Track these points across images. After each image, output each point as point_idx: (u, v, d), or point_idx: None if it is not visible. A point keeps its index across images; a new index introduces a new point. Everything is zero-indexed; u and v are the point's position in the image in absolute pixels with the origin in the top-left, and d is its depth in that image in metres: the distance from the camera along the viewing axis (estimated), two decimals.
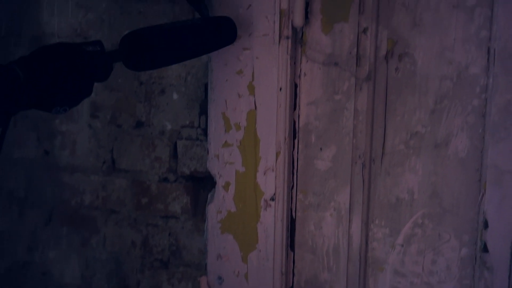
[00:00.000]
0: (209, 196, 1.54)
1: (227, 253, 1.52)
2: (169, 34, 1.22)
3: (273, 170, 1.45)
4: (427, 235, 1.40)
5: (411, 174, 1.40)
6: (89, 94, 1.09)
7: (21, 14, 1.65)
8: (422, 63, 1.36)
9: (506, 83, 1.27)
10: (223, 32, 1.36)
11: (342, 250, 1.47)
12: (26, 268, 1.84)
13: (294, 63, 1.44)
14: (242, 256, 1.51)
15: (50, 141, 1.74)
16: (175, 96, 1.58)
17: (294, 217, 1.50)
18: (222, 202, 1.51)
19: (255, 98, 1.44)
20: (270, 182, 1.46)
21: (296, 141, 1.47)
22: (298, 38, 1.43)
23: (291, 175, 1.48)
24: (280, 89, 1.41)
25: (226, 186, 1.50)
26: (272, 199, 1.46)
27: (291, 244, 1.51)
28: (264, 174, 1.46)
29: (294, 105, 1.45)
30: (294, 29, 1.41)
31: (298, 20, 1.39)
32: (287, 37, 1.40)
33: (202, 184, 1.60)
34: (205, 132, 1.55)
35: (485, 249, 1.34)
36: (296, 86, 1.45)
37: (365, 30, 1.38)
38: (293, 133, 1.47)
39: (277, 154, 1.44)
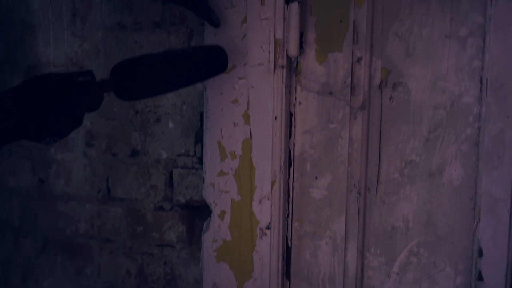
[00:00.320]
0: (204, 225, 1.54)
1: (223, 282, 1.51)
2: (159, 63, 1.23)
3: (268, 199, 1.45)
4: (423, 264, 1.40)
5: (406, 202, 1.40)
6: (79, 124, 1.09)
7: (17, 43, 1.66)
8: (415, 92, 1.37)
9: (499, 112, 1.28)
10: (214, 61, 1.37)
11: (337, 279, 1.46)
12: None
13: (289, 92, 1.45)
14: (238, 285, 1.50)
15: (45, 169, 1.74)
16: (170, 124, 1.59)
17: (289, 245, 1.50)
18: (217, 231, 1.51)
19: (250, 127, 1.45)
20: (265, 210, 1.46)
21: (291, 169, 1.48)
22: (293, 68, 1.44)
23: (287, 204, 1.48)
24: (275, 118, 1.42)
25: (222, 215, 1.50)
26: (268, 227, 1.46)
27: (286, 272, 1.51)
28: (260, 202, 1.46)
29: (289, 134, 1.46)
30: (289, 58, 1.42)
31: (293, 50, 1.40)
32: (282, 67, 1.41)
33: (197, 213, 1.59)
34: (200, 160, 1.56)
35: (480, 277, 1.34)
36: (291, 114, 1.46)
37: (359, 60, 1.39)
38: (289, 161, 1.47)
39: (273, 183, 1.45)
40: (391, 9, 1.37)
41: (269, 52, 1.41)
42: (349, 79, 1.40)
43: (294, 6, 1.38)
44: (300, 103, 1.45)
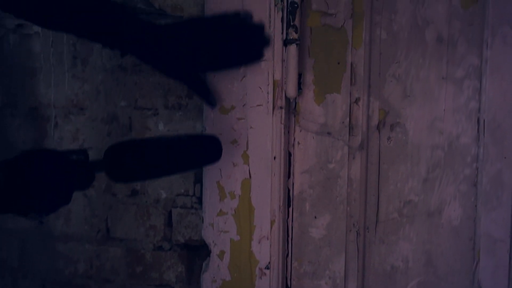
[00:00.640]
0: (204, 265, 1.53)
1: None
2: (152, 149, 1.23)
3: (268, 239, 1.45)
4: None
5: (406, 242, 1.40)
6: (67, 202, 1.09)
7: (18, 85, 1.67)
8: (413, 132, 1.38)
9: (496, 152, 1.29)
10: (208, 151, 1.37)
11: None
12: None
13: (288, 132, 1.46)
14: None
15: None
16: None
17: (289, 285, 1.50)
18: (217, 271, 1.51)
19: (249, 167, 1.46)
20: (265, 250, 1.46)
21: (290, 209, 1.48)
22: (291, 108, 1.46)
23: (286, 243, 1.48)
24: (274, 158, 1.43)
25: (221, 255, 1.50)
26: (267, 267, 1.46)
27: None
28: (259, 242, 1.46)
29: (288, 174, 1.47)
30: (287, 99, 1.44)
31: (291, 91, 1.42)
32: (281, 107, 1.42)
33: (197, 253, 1.59)
34: (200, 200, 1.56)
35: None
36: (290, 154, 1.47)
37: (357, 101, 1.41)
38: (288, 201, 1.48)
39: (272, 223, 1.45)
40: (388, 51, 1.39)
41: (268, 93, 1.42)
42: (347, 119, 1.41)
43: (293, 48, 1.40)
44: (299, 143, 1.46)
